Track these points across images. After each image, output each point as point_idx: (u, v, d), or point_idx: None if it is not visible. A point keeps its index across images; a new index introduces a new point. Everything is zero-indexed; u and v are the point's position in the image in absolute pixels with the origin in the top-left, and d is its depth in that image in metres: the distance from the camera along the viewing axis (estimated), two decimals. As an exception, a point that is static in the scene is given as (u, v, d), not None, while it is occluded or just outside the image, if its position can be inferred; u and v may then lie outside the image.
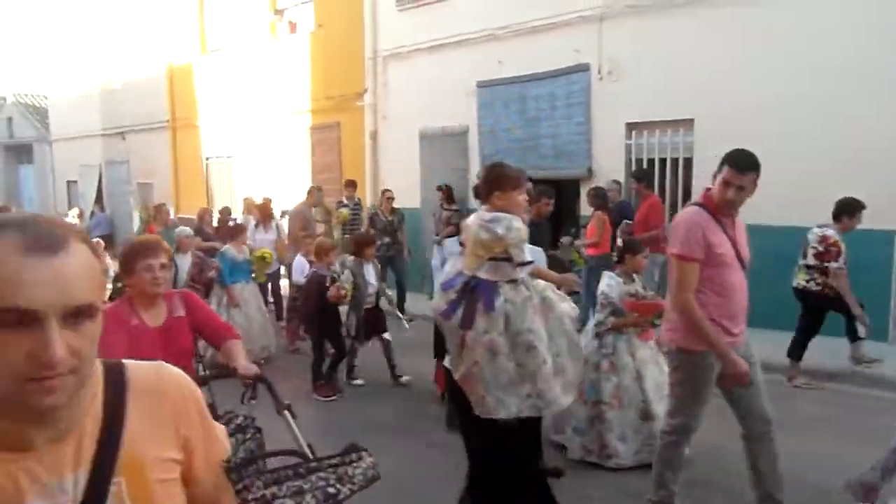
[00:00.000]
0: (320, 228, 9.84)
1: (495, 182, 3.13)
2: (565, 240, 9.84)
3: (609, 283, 4.72)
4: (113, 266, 11.50)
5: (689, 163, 8.48)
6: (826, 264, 5.93)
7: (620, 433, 4.50)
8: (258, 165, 14.48)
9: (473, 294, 2.96)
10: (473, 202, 10.72)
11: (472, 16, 10.23)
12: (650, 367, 4.62)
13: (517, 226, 2.99)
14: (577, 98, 9.27)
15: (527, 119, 9.85)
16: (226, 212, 11.56)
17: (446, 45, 10.67)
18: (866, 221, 7.13)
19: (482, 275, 2.97)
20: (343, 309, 6.50)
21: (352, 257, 6.79)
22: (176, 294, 3.22)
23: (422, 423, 5.55)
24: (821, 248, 5.98)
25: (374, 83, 12.02)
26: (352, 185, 10.72)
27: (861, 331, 6.18)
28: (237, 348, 3.10)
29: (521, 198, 3.15)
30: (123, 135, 18.59)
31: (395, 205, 9.86)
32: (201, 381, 2.73)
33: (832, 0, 7.23)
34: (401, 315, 7.28)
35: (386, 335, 6.65)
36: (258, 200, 11.57)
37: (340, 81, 12.49)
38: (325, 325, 6.42)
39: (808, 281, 6.12)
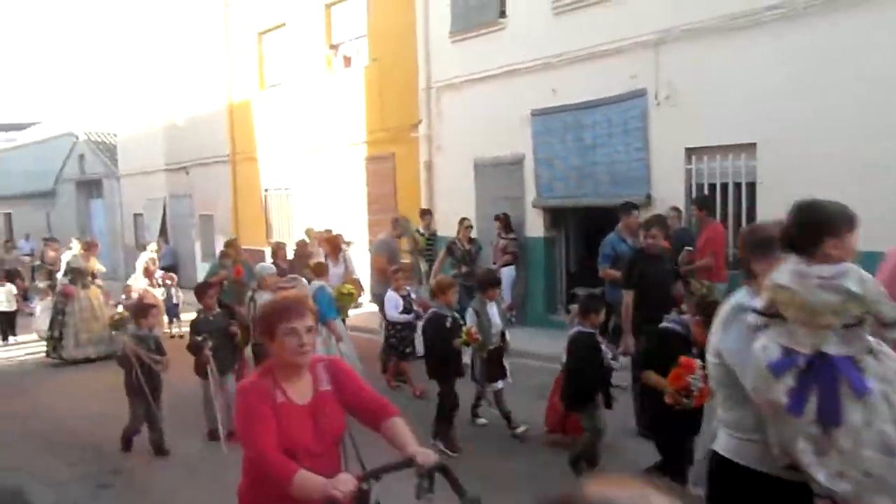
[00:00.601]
0: (407, 259, 9.67)
1: (825, 225, 2.43)
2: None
3: None
4: (183, 298, 11.85)
5: (752, 188, 8.25)
6: None
7: None
8: (315, 197, 14.77)
9: (825, 376, 2.27)
10: (529, 230, 10.71)
11: (525, 44, 10.28)
12: None
13: (867, 276, 2.36)
14: (634, 124, 9.16)
15: (583, 146, 9.78)
16: (303, 245, 11.49)
17: (500, 75, 10.73)
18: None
19: (832, 350, 2.28)
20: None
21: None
22: (319, 363, 2.66)
23: (551, 473, 5.26)
24: None
25: (429, 114, 12.16)
26: (428, 213, 10.79)
27: None
28: (404, 428, 2.52)
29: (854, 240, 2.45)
30: (186, 169, 19.25)
31: (452, 234, 9.87)
32: (366, 477, 2.38)
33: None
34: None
35: (505, 380, 6.21)
36: (317, 230, 11.80)
37: (395, 113, 12.69)
38: (451, 370, 5.96)
39: None
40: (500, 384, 6.13)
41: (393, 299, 7.56)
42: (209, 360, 6.25)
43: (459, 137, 11.60)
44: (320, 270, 7.90)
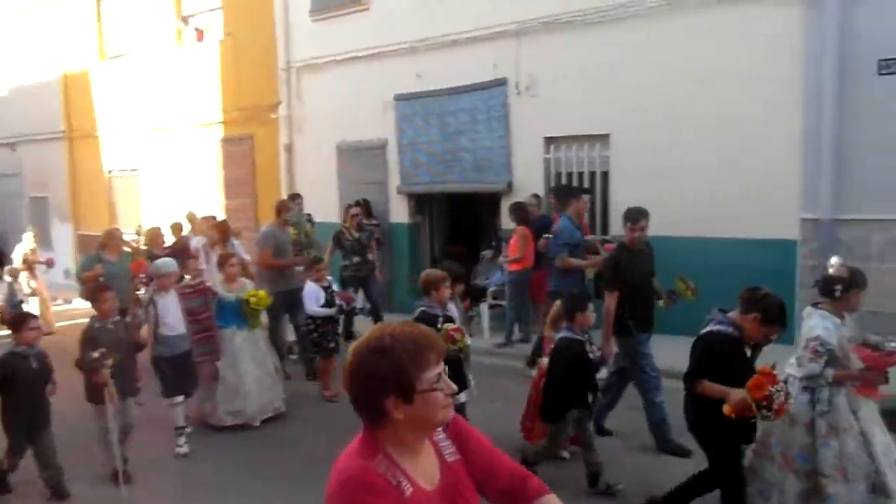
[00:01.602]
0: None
1: None
2: (486, 253, 9.91)
3: (826, 327, 3.83)
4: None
5: (606, 176, 8.68)
6: None
7: None
8: (165, 179, 13.80)
9: None
10: (394, 216, 10.63)
11: (389, 28, 10.13)
12: (875, 428, 3.87)
13: None
14: (496, 112, 9.32)
15: (447, 133, 9.82)
16: (179, 229, 10.16)
17: (363, 57, 10.50)
18: (768, 231, 7.53)
19: None
20: None
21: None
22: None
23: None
24: None
25: (289, 94, 11.70)
26: (298, 198, 9.50)
27: None
28: None
29: None
30: (13, 145, 17.33)
31: (313, 218, 9.49)
32: None
33: (742, 15, 7.51)
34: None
35: (466, 393, 5.07)
36: (172, 219, 10.78)
37: (252, 92, 12.09)
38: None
39: None
40: (462, 397, 4.97)
41: (313, 292, 6.80)
42: (108, 381, 4.92)
43: (321, 120, 11.27)
44: (220, 262, 6.77)
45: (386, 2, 10.26)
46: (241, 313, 6.34)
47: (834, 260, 4.72)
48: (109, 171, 15.29)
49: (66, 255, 15.04)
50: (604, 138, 8.58)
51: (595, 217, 8.84)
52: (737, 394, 3.46)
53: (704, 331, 3.85)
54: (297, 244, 8.38)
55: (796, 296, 7.44)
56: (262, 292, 6.50)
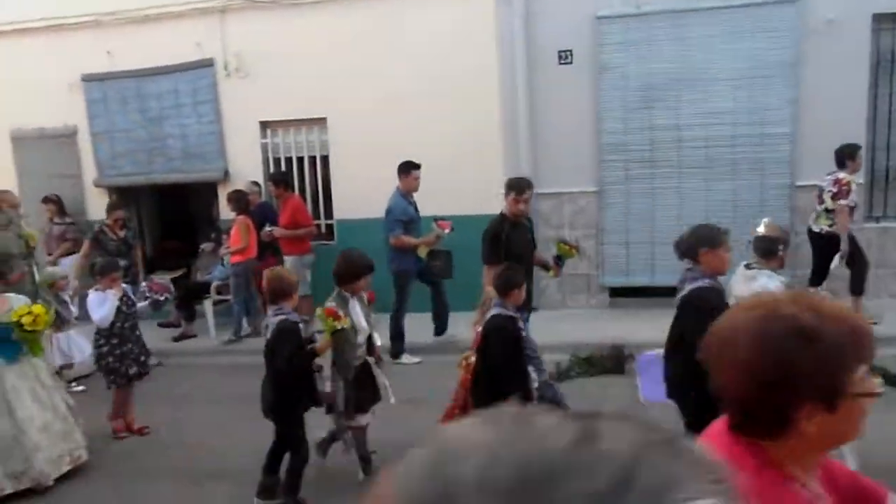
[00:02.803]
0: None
1: None
2: (205, 247, 9.23)
3: (777, 285, 3.86)
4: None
5: (325, 160, 8.59)
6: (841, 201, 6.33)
7: None
8: None
9: None
10: (93, 213, 9.36)
11: (72, -3, 8.82)
12: None
13: None
14: (204, 95, 8.66)
15: (148, 118, 8.89)
16: None
17: (40, 29, 9.02)
18: (477, 208, 8.10)
19: None
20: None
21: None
22: None
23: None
24: (835, 189, 6.35)
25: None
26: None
27: (835, 262, 6.47)
28: None
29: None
30: None
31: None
32: None
33: (451, 7, 7.89)
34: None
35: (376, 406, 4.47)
36: None
37: None
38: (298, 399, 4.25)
39: (830, 225, 6.43)
40: (366, 418, 4.38)
41: (99, 299, 5.37)
42: None
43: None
44: None
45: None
46: (7, 341, 4.79)
47: (766, 220, 4.76)
48: None
49: None
50: (321, 122, 8.47)
51: (318, 202, 8.73)
52: None
53: (688, 290, 3.60)
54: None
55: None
56: (38, 307, 4.93)
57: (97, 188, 9.32)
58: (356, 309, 4.39)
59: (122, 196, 9.30)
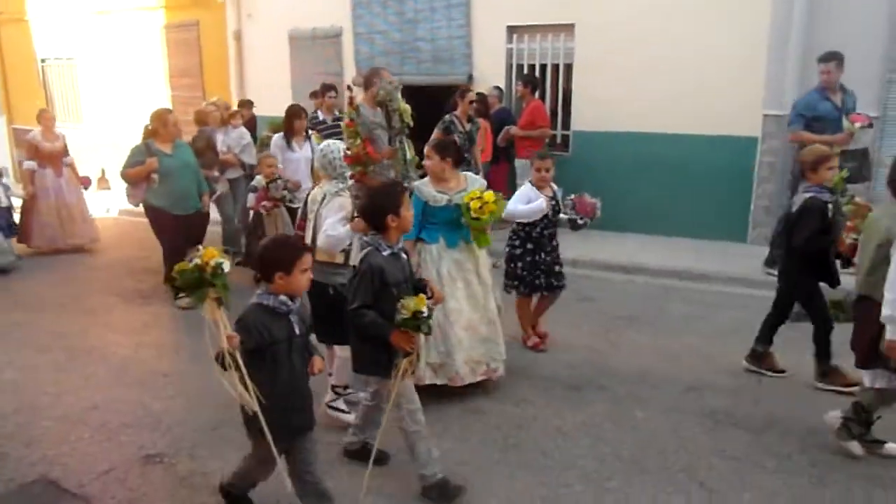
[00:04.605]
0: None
1: None
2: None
3: None
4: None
5: (569, 69, 8.41)
6: None
7: None
8: (106, 69, 12.96)
9: None
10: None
11: None
12: None
13: None
14: (456, 0, 8.85)
15: (405, 21, 9.32)
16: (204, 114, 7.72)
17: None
18: (729, 128, 7.46)
19: None
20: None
21: None
22: None
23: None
24: None
25: (236, -24, 10.92)
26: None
27: None
28: None
29: None
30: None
31: (261, 112, 9.04)
32: None
33: None
34: None
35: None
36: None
37: (195, -28, 11.24)
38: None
39: None
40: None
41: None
42: None
43: (273, 6, 10.58)
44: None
45: None
46: (455, 224, 4.24)
47: None
48: (43, 60, 14.27)
49: (1, 151, 14.21)
50: (569, 28, 8.24)
51: (557, 111, 8.63)
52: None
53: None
54: None
55: (753, 193, 7.48)
56: (489, 194, 4.14)
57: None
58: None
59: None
